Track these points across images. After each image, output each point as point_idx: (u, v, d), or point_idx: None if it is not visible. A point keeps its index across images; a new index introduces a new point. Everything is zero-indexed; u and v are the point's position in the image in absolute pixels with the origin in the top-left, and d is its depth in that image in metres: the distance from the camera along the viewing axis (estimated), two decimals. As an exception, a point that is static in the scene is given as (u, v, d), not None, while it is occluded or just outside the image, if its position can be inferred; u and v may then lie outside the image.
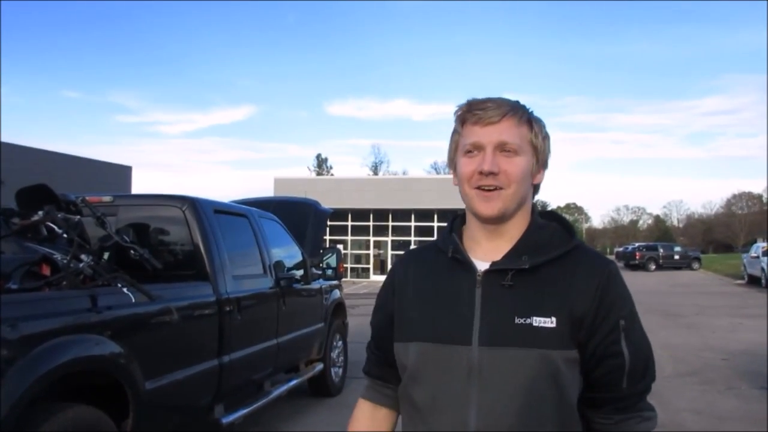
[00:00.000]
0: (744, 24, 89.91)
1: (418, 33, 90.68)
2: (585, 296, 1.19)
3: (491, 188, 1.22)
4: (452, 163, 1.32)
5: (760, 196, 68.85)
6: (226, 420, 4.04)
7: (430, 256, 1.34)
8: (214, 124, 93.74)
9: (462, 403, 1.18)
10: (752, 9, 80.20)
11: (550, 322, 1.17)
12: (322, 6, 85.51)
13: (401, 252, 27.58)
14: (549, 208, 1.39)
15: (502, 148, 1.22)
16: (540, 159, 1.28)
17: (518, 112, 1.25)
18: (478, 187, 1.23)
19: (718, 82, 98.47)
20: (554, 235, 1.27)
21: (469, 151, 1.24)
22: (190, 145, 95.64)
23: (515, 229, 1.27)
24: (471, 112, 1.25)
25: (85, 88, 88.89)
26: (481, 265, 1.25)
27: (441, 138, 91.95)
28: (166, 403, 3.46)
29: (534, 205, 1.33)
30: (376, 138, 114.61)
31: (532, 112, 1.29)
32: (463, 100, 1.28)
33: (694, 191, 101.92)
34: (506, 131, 1.23)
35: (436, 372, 1.22)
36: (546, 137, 1.30)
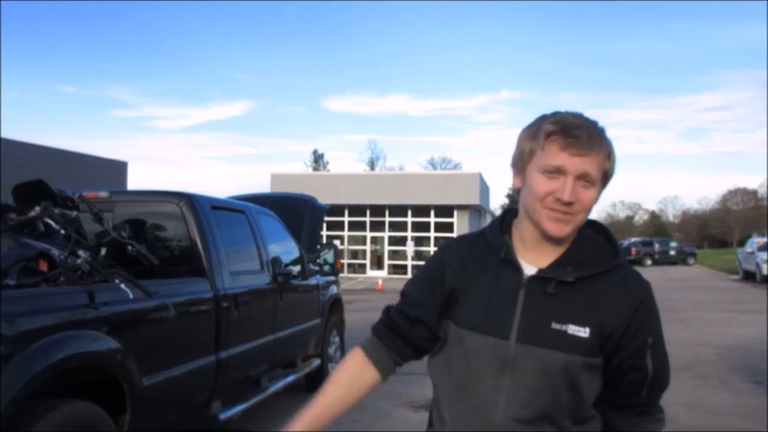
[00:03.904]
0: (739, 19, 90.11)
1: (416, 28, 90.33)
2: (617, 315, 1.27)
3: (564, 212, 1.25)
4: (520, 169, 1.32)
5: (755, 192, 69.09)
6: (224, 416, 4.06)
7: (479, 249, 1.39)
8: (211, 119, 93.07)
9: (493, 389, 1.28)
10: (747, 5, 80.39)
11: (583, 332, 1.26)
12: (320, 1, 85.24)
13: (398, 248, 27.69)
14: None
15: (583, 178, 1.25)
16: (606, 184, 1.31)
17: (605, 144, 1.27)
18: (550, 208, 1.25)
19: (714, 77, 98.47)
20: (598, 249, 1.33)
21: (550, 172, 1.25)
22: (186, 140, 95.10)
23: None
24: (563, 135, 1.24)
25: (82, 83, 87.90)
26: (528, 268, 1.31)
27: (438, 134, 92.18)
28: (163, 399, 3.47)
29: None
30: (373, 133, 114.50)
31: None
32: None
33: (690, 187, 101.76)
34: (591, 164, 1.24)
35: (473, 358, 1.31)
36: (614, 162, 1.30)
